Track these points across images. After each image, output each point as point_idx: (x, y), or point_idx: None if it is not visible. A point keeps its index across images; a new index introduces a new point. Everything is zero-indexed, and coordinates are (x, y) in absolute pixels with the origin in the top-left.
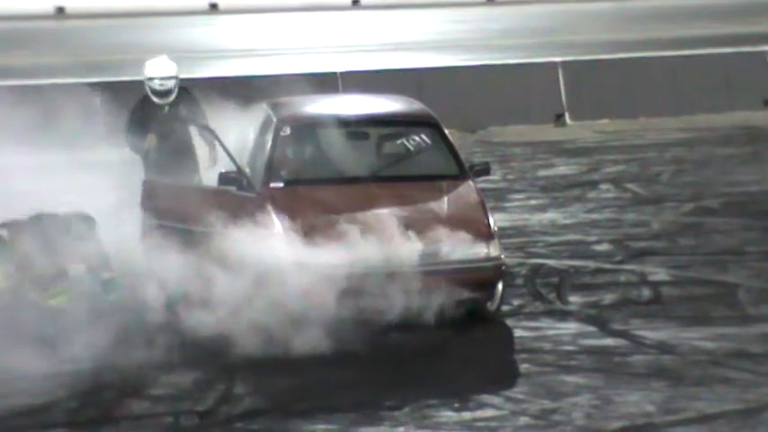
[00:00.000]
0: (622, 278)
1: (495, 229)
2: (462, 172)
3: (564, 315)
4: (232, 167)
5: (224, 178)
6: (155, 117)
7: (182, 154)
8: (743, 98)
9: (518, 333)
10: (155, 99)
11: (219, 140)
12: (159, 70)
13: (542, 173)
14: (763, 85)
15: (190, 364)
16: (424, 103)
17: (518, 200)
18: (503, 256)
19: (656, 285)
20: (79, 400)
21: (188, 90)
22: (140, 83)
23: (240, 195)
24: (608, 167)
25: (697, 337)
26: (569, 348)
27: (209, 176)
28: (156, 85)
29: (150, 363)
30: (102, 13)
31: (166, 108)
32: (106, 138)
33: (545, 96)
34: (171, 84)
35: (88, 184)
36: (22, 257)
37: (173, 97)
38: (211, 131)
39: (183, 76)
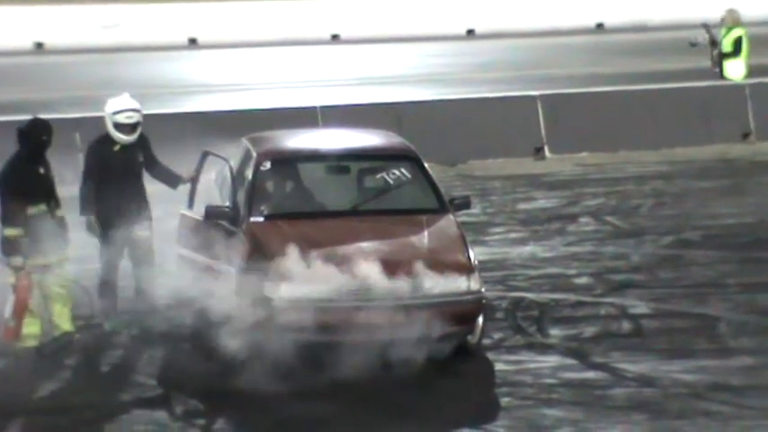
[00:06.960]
0: (602, 311)
1: (476, 262)
2: (442, 206)
3: (544, 348)
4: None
5: (210, 212)
6: (110, 159)
7: (131, 200)
8: (721, 131)
9: (499, 366)
10: (118, 135)
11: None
12: (126, 103)
13: (522, 206)
14: (742, 118)
15: (170, 399)
16: (403, 137)
17: (498, 233)
18: (483, 290)
19: (636, 318)
20: None
21: (143, 135)
22: None
23: (227, 228)
24: (587, 200)
25: (678, 370)
26: (550, 381)
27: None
28: (124, 118)
29: (130, 398)
30: (81, 48)
31: (118, 147)
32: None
33: (524, 130)
34: (137, 117)
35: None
36: None
37: (136, 135)
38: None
39: (163, 111)
